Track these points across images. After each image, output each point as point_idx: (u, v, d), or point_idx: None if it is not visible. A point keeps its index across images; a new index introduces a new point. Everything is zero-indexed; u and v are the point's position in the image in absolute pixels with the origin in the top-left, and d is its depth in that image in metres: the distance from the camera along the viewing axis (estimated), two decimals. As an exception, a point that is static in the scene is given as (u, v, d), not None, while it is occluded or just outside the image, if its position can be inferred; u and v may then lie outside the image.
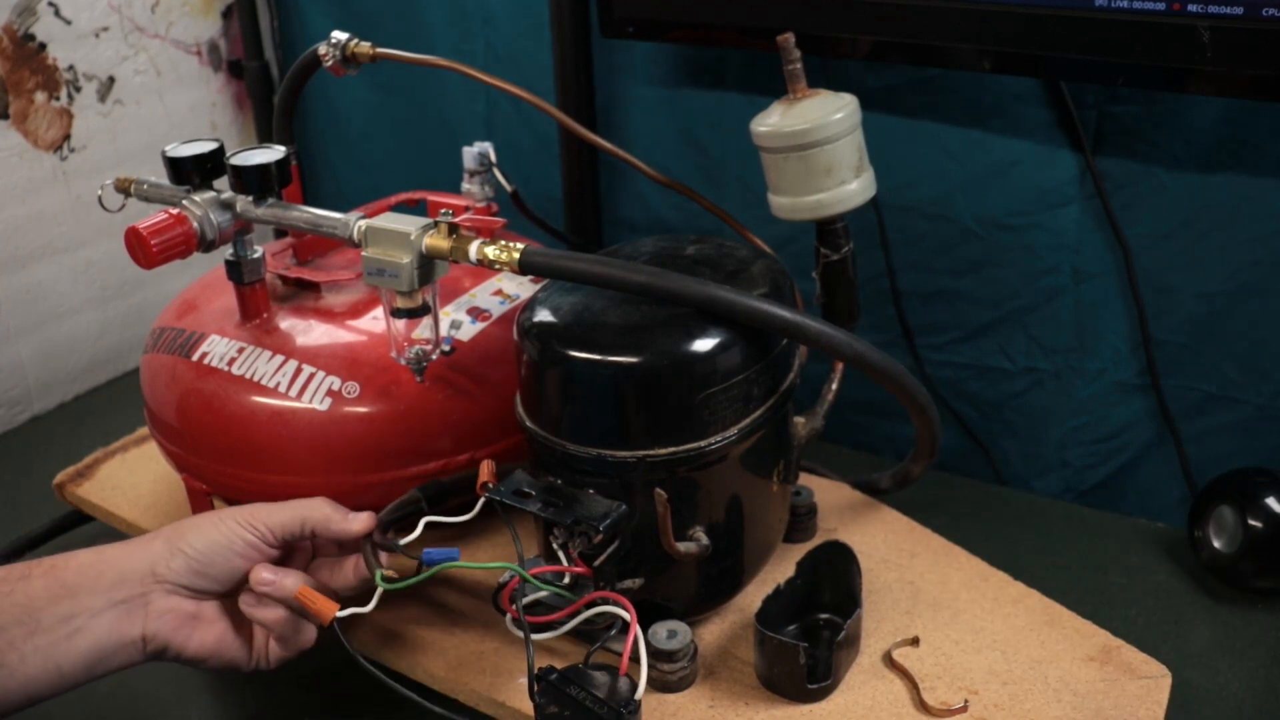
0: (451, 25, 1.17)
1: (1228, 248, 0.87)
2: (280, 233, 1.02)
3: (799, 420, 0.76)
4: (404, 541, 0.67)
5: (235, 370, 0.77)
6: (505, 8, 1.13)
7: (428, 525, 0.67)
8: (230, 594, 0.67)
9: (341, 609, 0.64)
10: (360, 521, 0.68)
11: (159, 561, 0.64)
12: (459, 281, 0.85)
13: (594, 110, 1.11)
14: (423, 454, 0.77)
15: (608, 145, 0.86)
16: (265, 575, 0.65)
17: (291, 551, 0.70)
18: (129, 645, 0.63)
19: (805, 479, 0.85)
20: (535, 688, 0.60)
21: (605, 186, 1.15)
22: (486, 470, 0.67)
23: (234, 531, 0.65)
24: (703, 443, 0.65)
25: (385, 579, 0.65)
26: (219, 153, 0.77)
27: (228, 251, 0.80)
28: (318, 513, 0.68)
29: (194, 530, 0.65)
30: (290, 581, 0.65)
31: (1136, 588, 0.81)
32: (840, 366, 0.81)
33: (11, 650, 0.60)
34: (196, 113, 1.30)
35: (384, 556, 0.68)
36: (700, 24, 0.96)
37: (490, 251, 0.66)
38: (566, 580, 0.65)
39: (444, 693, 0.70)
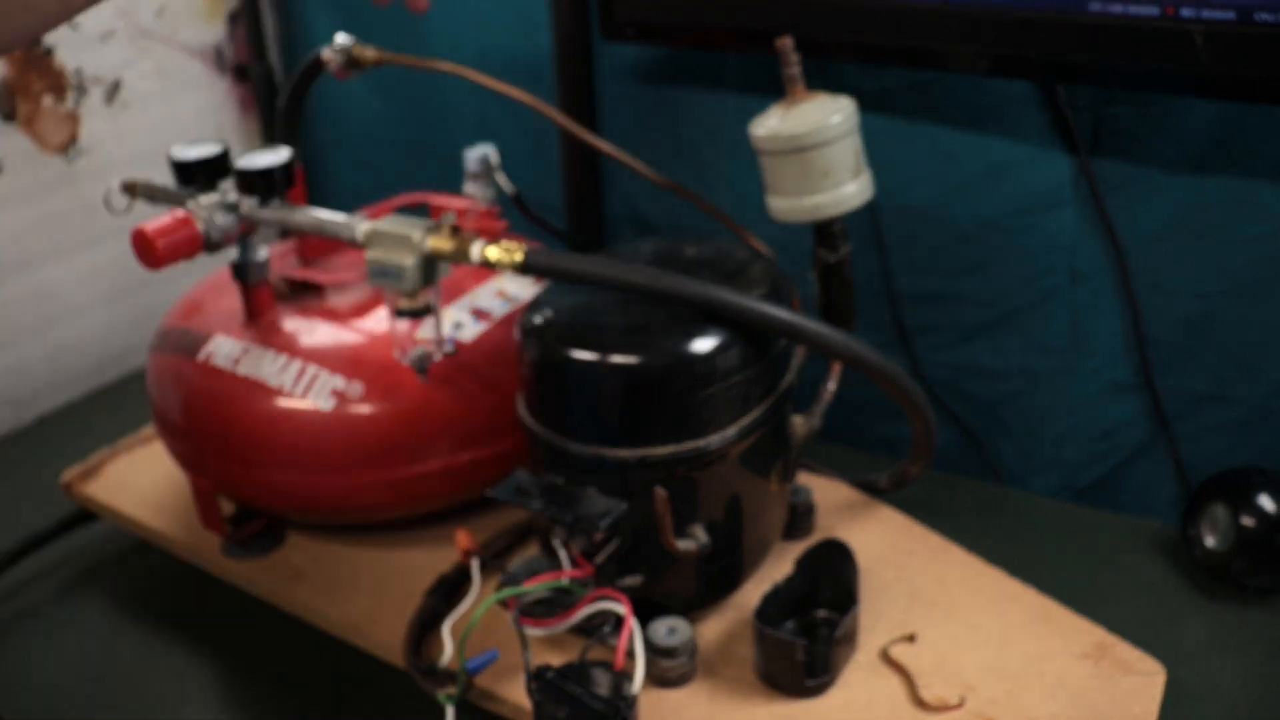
0: (450, 28, 1.18)
1: (1222, 249, 0.87)
2: (285, 234, 1.03)
3: (797, 420, 0.77)
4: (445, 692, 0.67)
5: (240, 370, 0.78)
6: (503, 11, 1.14)
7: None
8: None
9: None
10: None
11: None
12: (461, 282, 0.86)
13: (595, 113, 1.12)
14: (425, 453, 0.77)
15: (609, 148, 0.87)
16: None
17: None
18: None
19: (803, 478, 0.86)
20: (532, 685, 0.61)
21: (604, 189, 1.16)
22: (465, 540, 0.69)
23: None
24: (702, 442, 0.65)
25: (448, 697, 0.66)
26: (224, 155, 0.78)
27: (233, 253, 0.80)
28: None
29: None
30: None
31: (1131, 585, 0.81)
32: (838, 367, 0.82)
33: None
34: (202, 116, 1.31)
35: None
36: (700, 27, 0.97)
37: (492, 253, 0.67)
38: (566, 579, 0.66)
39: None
